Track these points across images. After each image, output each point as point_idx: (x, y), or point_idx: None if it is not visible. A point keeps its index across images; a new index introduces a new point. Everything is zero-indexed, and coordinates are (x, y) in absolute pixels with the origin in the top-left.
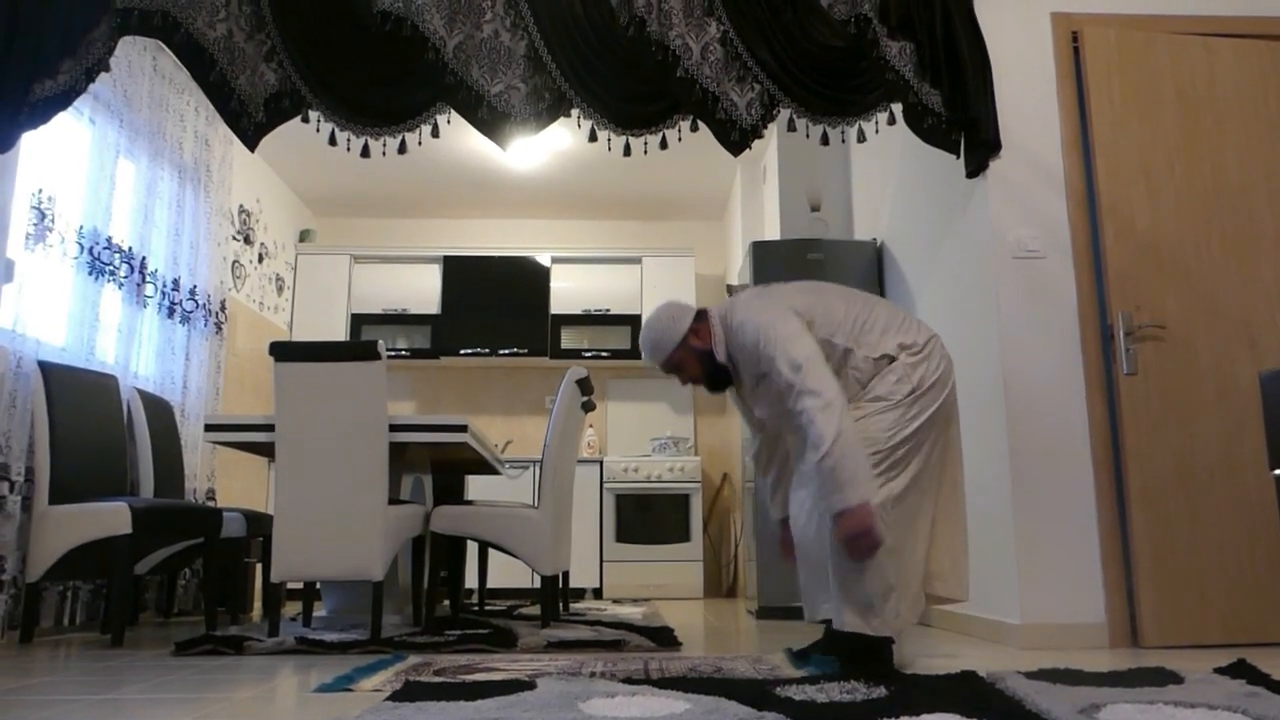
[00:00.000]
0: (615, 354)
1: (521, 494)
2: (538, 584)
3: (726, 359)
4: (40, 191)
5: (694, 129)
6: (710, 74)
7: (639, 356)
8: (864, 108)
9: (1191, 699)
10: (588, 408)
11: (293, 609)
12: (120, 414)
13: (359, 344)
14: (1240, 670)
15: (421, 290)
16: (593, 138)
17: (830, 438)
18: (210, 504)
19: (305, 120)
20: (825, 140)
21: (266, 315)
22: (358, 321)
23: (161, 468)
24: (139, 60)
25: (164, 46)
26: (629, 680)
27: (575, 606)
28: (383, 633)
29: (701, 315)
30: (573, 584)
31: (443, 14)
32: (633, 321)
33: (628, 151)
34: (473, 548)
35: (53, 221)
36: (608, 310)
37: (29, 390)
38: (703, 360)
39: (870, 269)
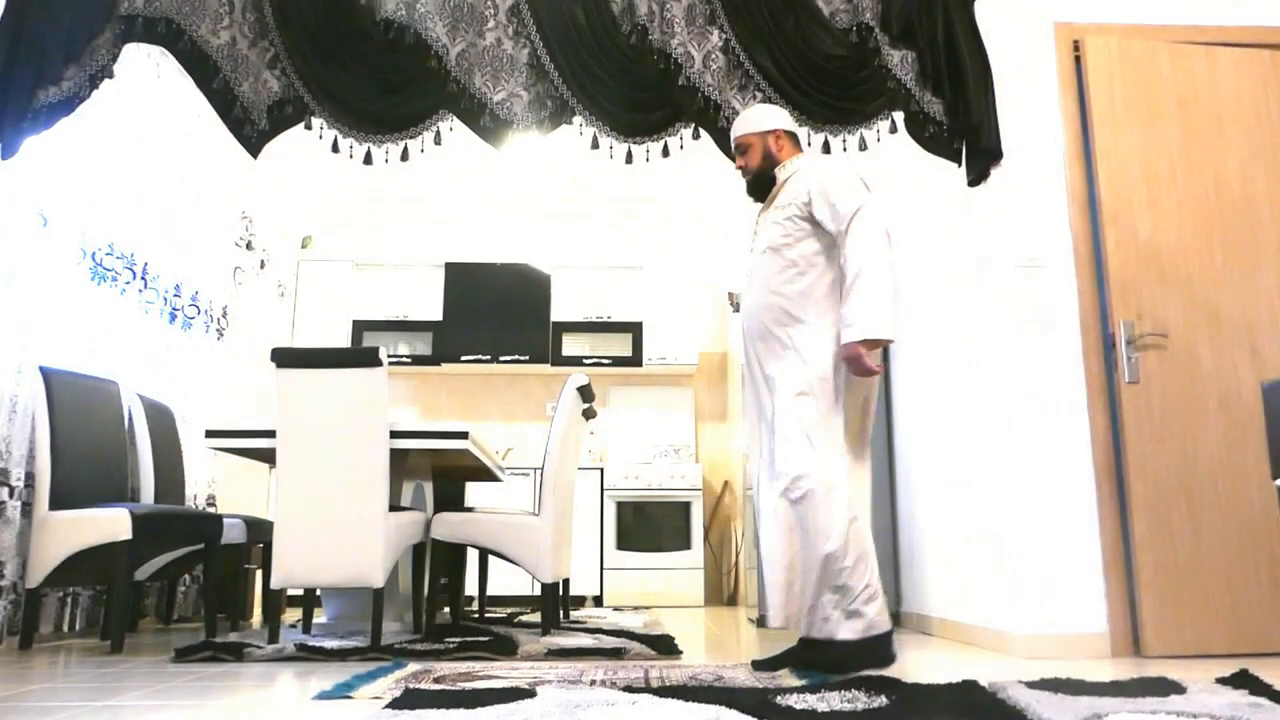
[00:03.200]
0: (617, 361)
1: (522, 501)
2: (538, 591)
3: (780, 183)
4: (43, 197)
5: (695, 137)
6: (712, 82)
7: (640, 364)
8: (865, 116)
9: (1194, 709)
10: (589, 415)
11: (293, 616)
12: (121, 420)
13: (360, 350)
14: (1243, 680)
15: (423, 297)
16: (595, 145)
17: (879, 259)
18: (211, 510)
19: (308, 127)
20: (827, 148)
21: (268, 321)
22: (359, 328)
23: (162, 474)
24: (142, 67)
25: (168, 53)
26: (629, 688)
27: (575, 614)
28: (383, 640)
29: (795, 139)
30: (573, 591)
31: (445, 22)
32: (634, 329)
33: (629, 159)
34: (473, 555)
35: (55, 227)
36: (609, 317)
37: (30, 396)
38: (765, 159)
39: None
